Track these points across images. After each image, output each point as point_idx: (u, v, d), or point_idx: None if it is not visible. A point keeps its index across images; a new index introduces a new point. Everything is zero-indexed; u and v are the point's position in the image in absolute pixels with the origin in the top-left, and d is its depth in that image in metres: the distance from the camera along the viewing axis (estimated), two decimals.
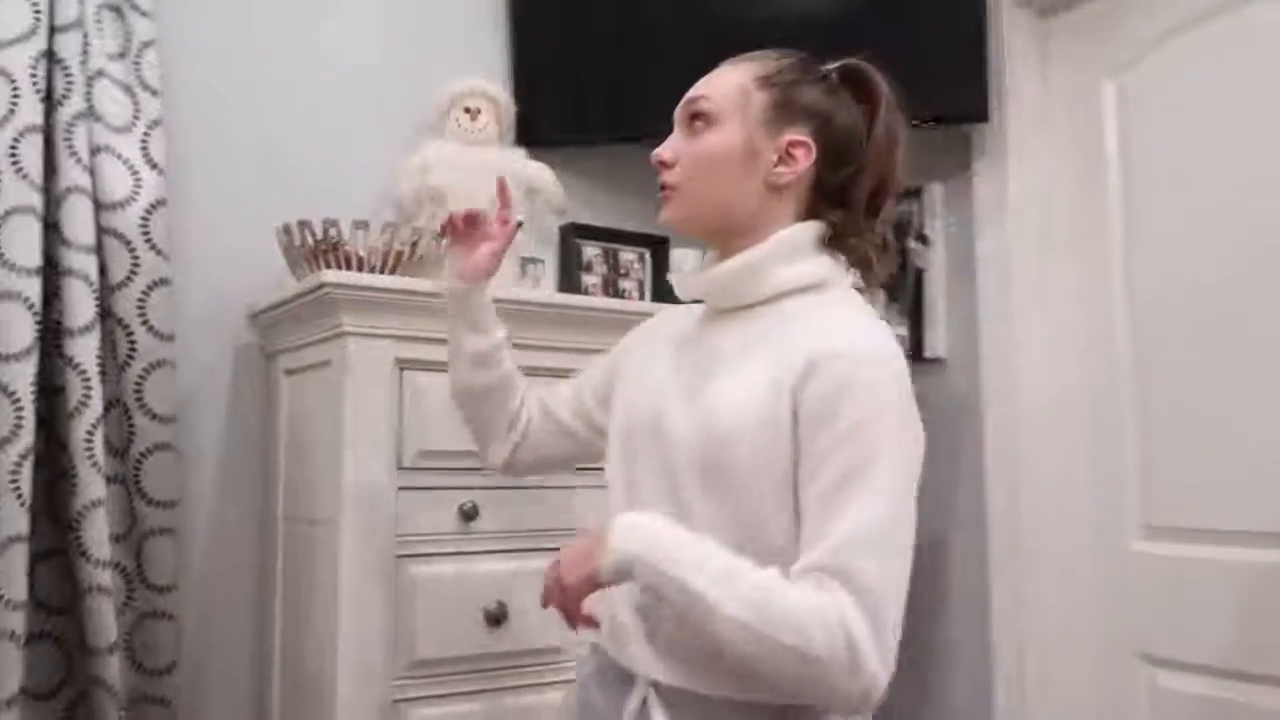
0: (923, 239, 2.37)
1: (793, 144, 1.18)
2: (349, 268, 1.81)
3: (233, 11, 2.07)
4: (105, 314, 1.79)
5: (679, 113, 1.24)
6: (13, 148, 1.68)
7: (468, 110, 2.12)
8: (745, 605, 1.00)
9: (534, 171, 2.13)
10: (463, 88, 2.12)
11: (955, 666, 2.28)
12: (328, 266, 1.79)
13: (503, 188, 1.45)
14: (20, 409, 1.65)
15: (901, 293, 2.39)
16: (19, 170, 1.68)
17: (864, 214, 1.21)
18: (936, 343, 2.34)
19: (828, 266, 1.19)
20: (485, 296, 1.42)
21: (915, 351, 2.32)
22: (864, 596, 1.00)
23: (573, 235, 2.27)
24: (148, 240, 1.82)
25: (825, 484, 1.05)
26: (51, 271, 1.73)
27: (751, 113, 1.19)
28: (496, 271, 1.43)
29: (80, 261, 1.73)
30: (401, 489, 1.72)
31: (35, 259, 1.69)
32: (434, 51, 2.26)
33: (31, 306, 1.67)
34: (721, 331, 1.20)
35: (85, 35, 1.77)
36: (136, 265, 1.80)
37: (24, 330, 1.66)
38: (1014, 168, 2.23)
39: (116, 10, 1.83)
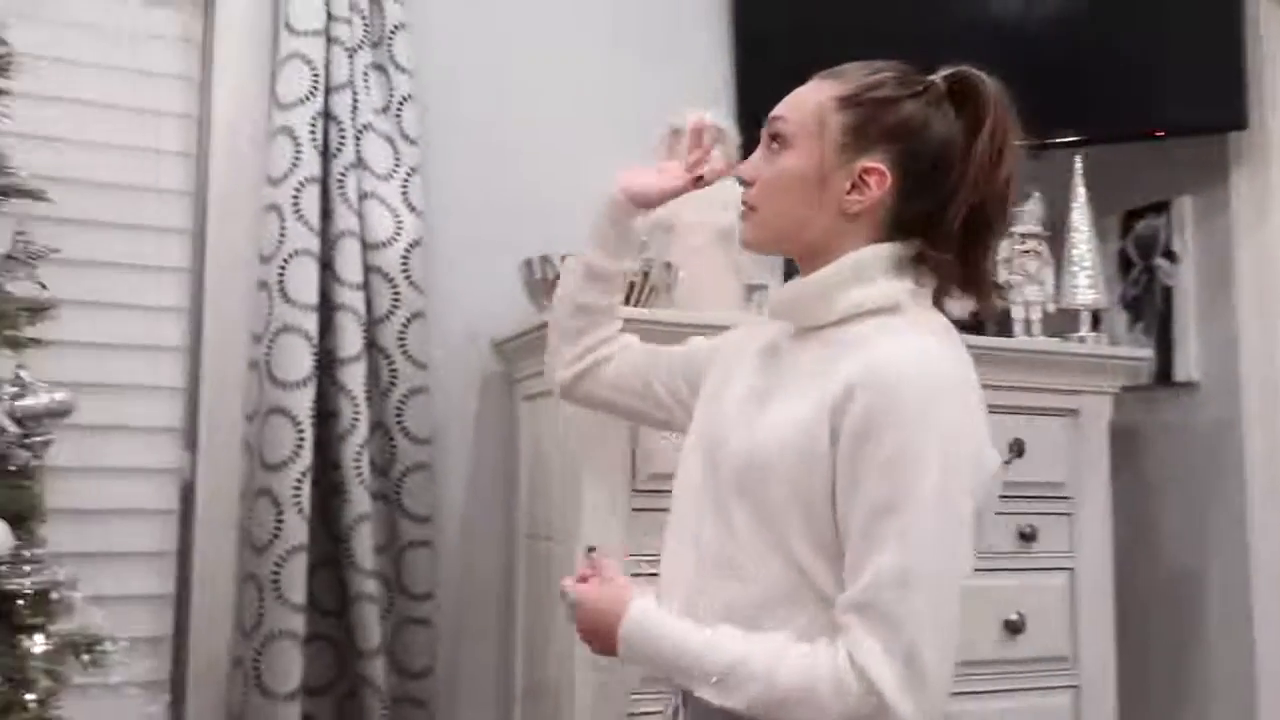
0: (1170, 255, 2.24)
1: (866, 171, 1.13)
2: None
3: (488, 69, 2.23)
4: (370, 345, 1.97)
5: (763, 131, 1.21)
6: (295, 197, 1.88)
7: None
8: (753, 700, 1.01)
9: None
10: (689, 119, 2.18)
11: (1214, 701, 2.14)
12: (548, 300, 1.90)
13: (697, 133, 1.46)
14: (301, 432, 1.84)
15: (1147, 313, 2.26)
16: (300, 216, 1.88)
17: (960, 238, 1.12)
18: (1187, 365, 2.20)
19: (902, 290, 1.13)
20: (635, 223, 1.42)
21: (1163, 374, 2.19)
22: (896, 637, 0.97)
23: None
24: (407, 277, 1.99)
25: (863, 516, 1.01)
26: (326, 307, 1.92)
27: (828, 136, 1.15)
28: (657, 206, 1.45)
29: (350, 297, 1.92)
30: (635, 510, 1.79)
31: (313, 296, 1.88)
32: (662, 83, 2.34)
33: (310, 339, 1.86)
34: (799, 350, 1.17)
35: (354, 94, 1.97)
36: (397, 300, 1.97)
37: (304, 360, 1.86)
38: (1277, 177, 2.07)
39: (381, 69, 2.02)
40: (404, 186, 2.01)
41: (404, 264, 1.99)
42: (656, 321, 1.82)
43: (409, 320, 1.99)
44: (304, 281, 1.87)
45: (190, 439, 2.00)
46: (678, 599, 1.16)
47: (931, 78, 1.18)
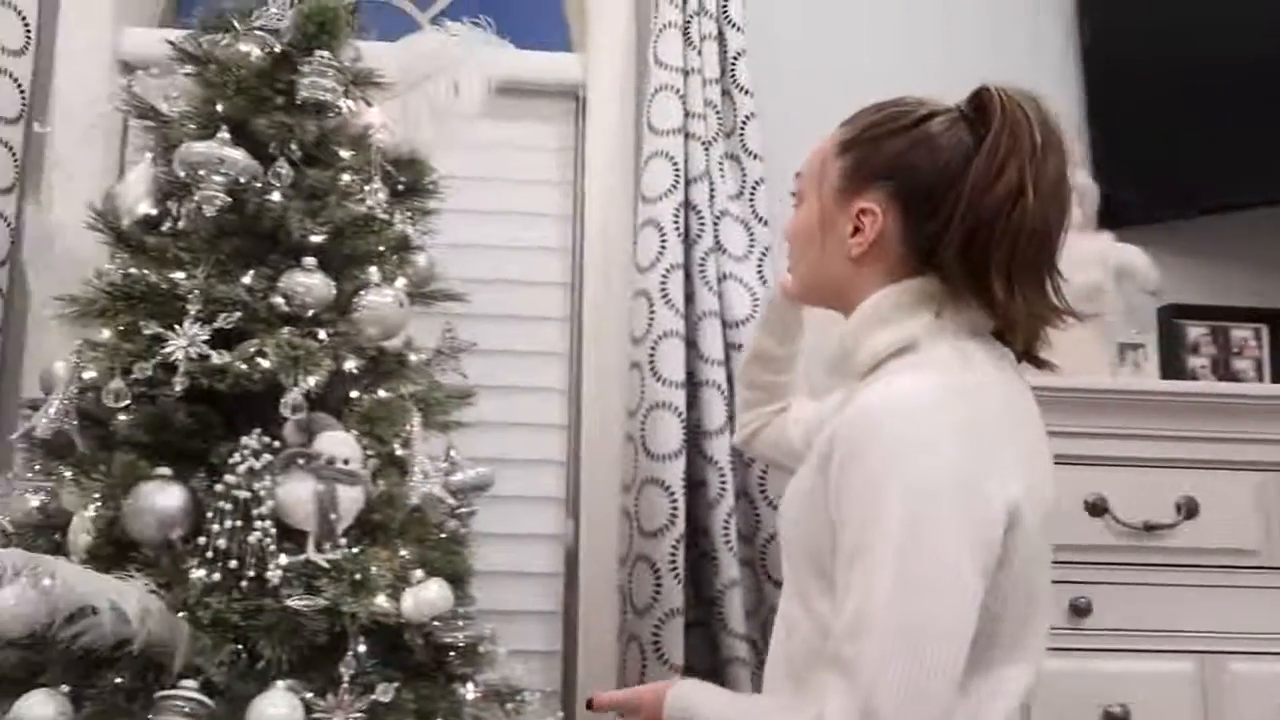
0: None
1: (861, 212, 1.11)
2: None
3: None
4: (733, 418, 2.06)
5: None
6: (662, 283, 2.03)
7: None
8: None
9: (1124, 254, 2.06)
10: None
11: None
12: None
13: None
14: (675, 501, 1.96)
15: None
16: (667, 301, 2.02)
17: (965, 261, 1.04)
18: None
19: (917, 326, 1.07)
20: (799, 313, 1.51)
21: None
22: (852, 686, 0.94)
23: (1173, 316, 2.15)
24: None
25: (841, 562, 0.99)
26: (692, 383, 2.04)
27: (827, 184, 1.15)
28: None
29: (714, 373, 2.03)
30: None
31: (680, 374, 2.01)
32: None
33: (680, 414, 1.99)
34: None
35: (711, 183, 2.10)
36: None
37: (675, 434, 1.98)
38: None
39: (734, 158, 2.15)
40: (759, 266, 2.11)
41: None
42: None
43: None
44: (673, 360, 2.00)
45: (573, 508, 2.19)
46: (768, 663, 1.21)
47: (941, 105, 1.14)
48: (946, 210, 1.06)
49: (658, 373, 2.01)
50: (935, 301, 1.09)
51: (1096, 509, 1.72)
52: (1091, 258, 2.05)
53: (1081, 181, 2.15)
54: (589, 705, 1.28)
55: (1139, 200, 2.21)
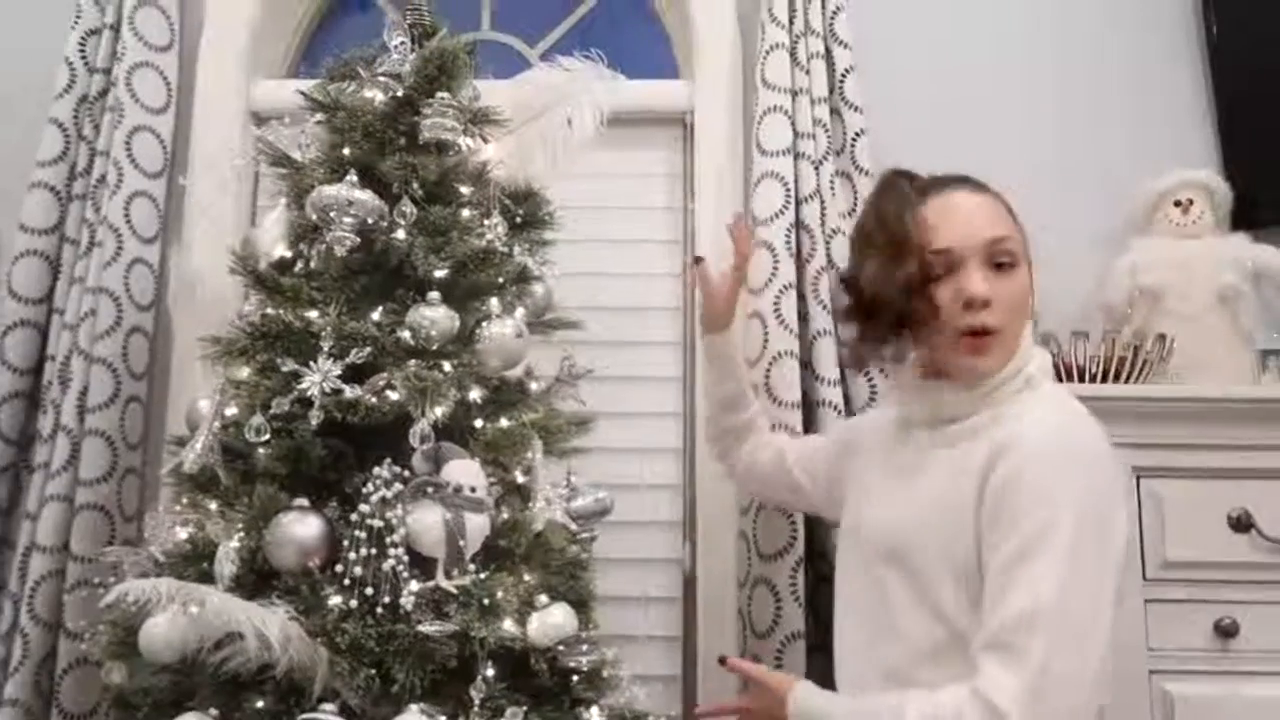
0: None
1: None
2: (1069, 378, 1.84)
3: (945, 156, 2.26)
4: None
5: (980, 249, 1.24)
6: (775, 304, 2.02)
7: (1178, 204, 2.05)
8: None
9: (1261, 255, 1.98)
10: (1171, 181, 2.06)
11: None
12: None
13: (736, 233, 1.76)
14: (794, 523, 1.95)
15: None
16: (781, 321, 2.02)
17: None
18: None
19: (1033, 369, 1.27)
20: (727, 344, 1.72)
21: None
22: (1022, 671, 1.05)
23: None
24: (881, 370, 2.04)
25: (999, 566, 1.10)
26: (807, 404, 2.03)
27: (1022, 250, 1.27)
28: (730, 317, 1.75)
29: (830, 394, 2.01)
30: (1148, 601, 1.67)
31: (796, 394, 1.99)
32: (1135, 147, 2.23)
33: (796, 435, 1.97)
34: (925, 437, 1.30)
35: (822, 202, 2.09)
36: (874, 393, 2.03)
37: None
38: None
39: (845, 175, 2.14)
40: None
41: None
42: (1153, 398, 1.72)
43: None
44: (788, 381, 1.99)
45: (689, 531, 2.19)
46: (847, 669, 1.31)
47: None
48: None
49: (773, 394, 2.00)
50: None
51: (1241, 524, 1.64)
52: (1226, 260, 1.98)
53: (1212, 182, 2.07)
54: (721, 661, 1.49)
55: (1274, 200, 2.12)
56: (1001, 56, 2.32)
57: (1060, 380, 1.83)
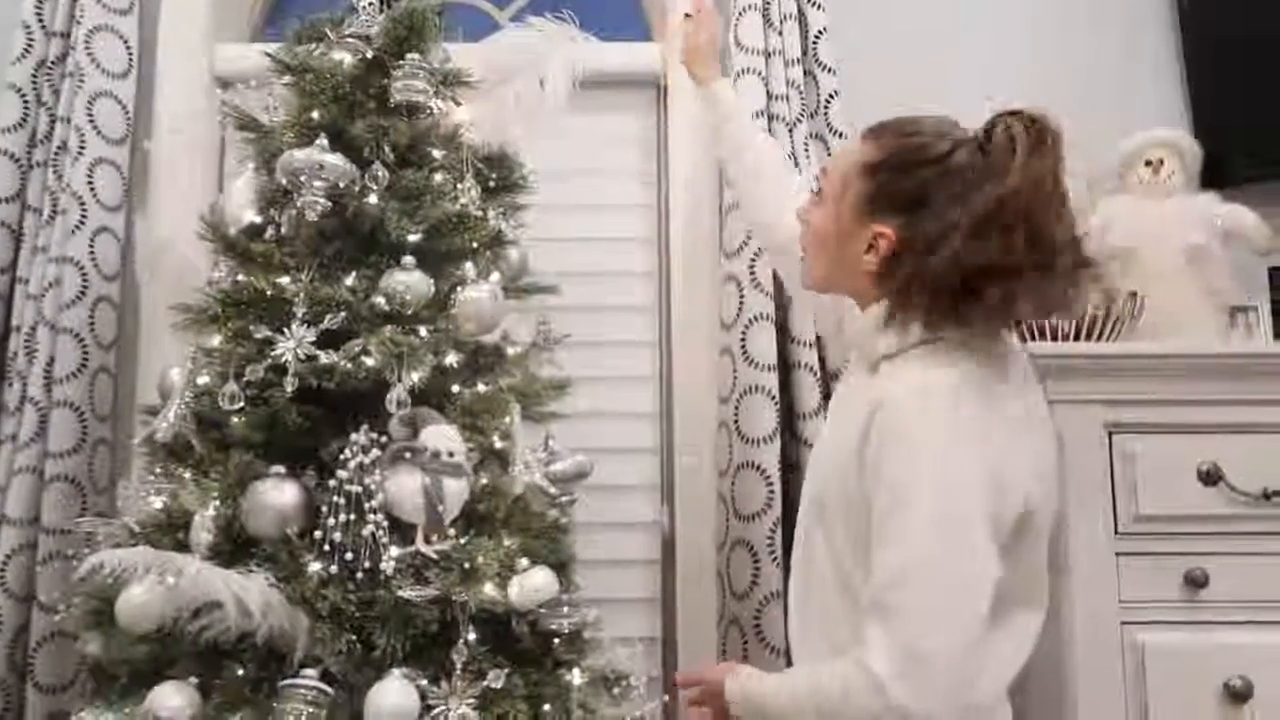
0: None
1: (877, 235, 1.20)
2: (1043, 337, 1.86)
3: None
4: (826, 398, 2.05)
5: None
6: (750, 267, 2.02)
7: (1149, 163, 2.06)
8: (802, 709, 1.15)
9: (1231, 214, 1.99)
10: (1141, 141, 2.07)
11: None
12: (1021, 339, 1.86)
13: None
14: (771, 485, 1.96)
15: None
16: (756, 285, 2.02)
17: (966, 293, 1.13)
18: None
19: (913, 333, 1.18)
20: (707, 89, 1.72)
21: None
22: (894, 629, 1.06)
23: None
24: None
25: (875, 523, 1.11)
26: (784, 366, 2.03)
27: (847, 200, 1.23)
28: (699, 59, 1.75)
29: (806, 355, 2.02)
30: (1120, 554, 1.70)
31: (772, 357, 2.00)
32: (1105, 108, 2.24)
33: (773, 397, 1.98)
34: (858, 381, 1.27)
35: (796, 164, 2.08)
36: None
37: (769, 418, 1.98)
38: None
39: (819, 138, 2.14)
40: None
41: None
42: (1125, 355, 1.74)
43: None
44: (764, 344, 1.99)
45: (668, 495, 2.20)
46: (792, 624, 1.31)
47: (963, 135, 1.20)
48: (952, 243, 1.14)
49: (750, 357, 2.00)
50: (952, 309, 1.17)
51: (1210, 478, 1.66)
52: (1196, 219, 1.99)
53: (1182, 141, 2.08)
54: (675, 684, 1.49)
55: (1244, 159, 2.13)
56: (971, 18, 2.32)
57: (1031, 339, 1.84)
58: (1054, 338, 1.85)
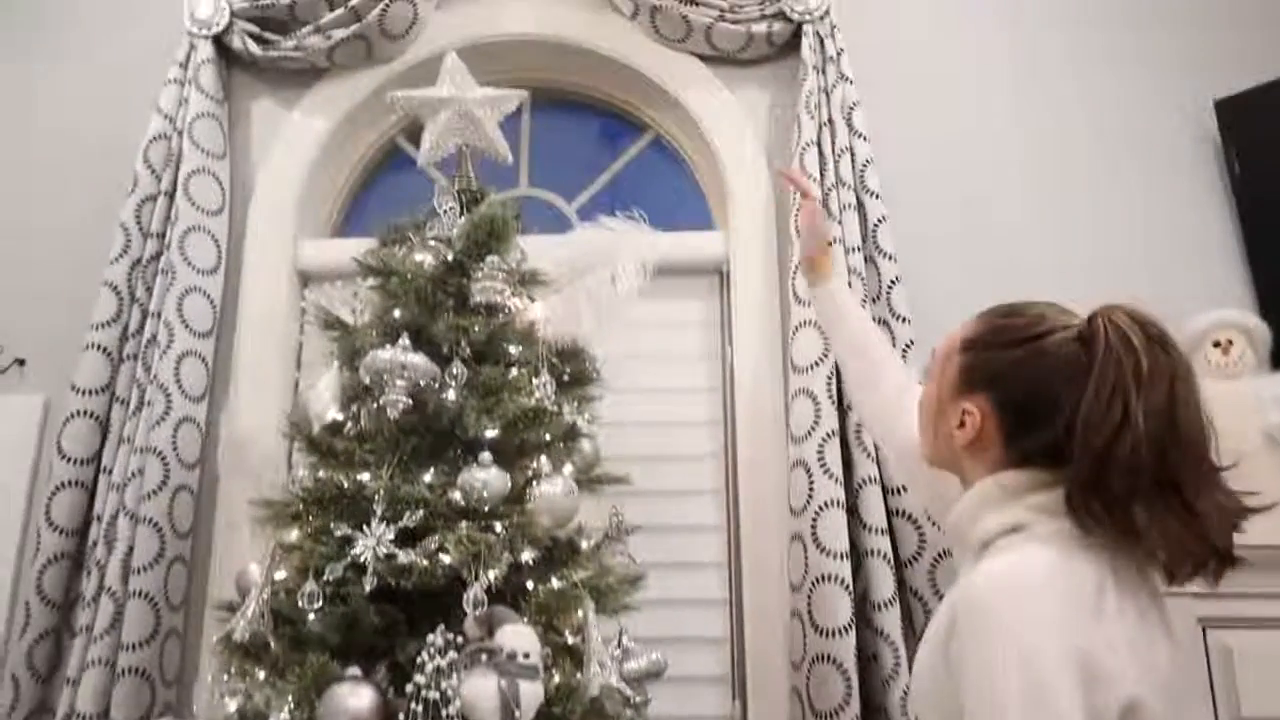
0: None
1: (966, 411, 1.19)
2: None
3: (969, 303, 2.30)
4: (901, 585, 2.01)
5: None
6: (819, 452, 2.02)
7: (1217, 344, 2.06)
8: None
9: None
10: (1208, 322, 2.08)
11: None
12: None
13: (787, 178, 1.85)
14: (848, 680, 1.89)
15: None
16: (825, 470, 2.01)
17: (1097, 486, 1.06)
18: None
19: (1023, 513, 1.12)
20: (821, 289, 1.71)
21: None
22: None
23: None
24: (929, 518, 2.02)
25: None
26: (855, 553, 2.00)
27: (946, 376, 1.23)
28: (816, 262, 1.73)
29: (878, 542, 1.98)
30: None
31: (844, 544, 1.97)
32: (1168, 289, 2.25)
33: (846, 586, 1.94)
34: (962, 572, 1.19)
35: None
36: (923, 541, 2.00)
37: (843, 608, 1.92)
38: None
39: (883, 322, 2.15)
40: None
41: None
42: None
43: (937, 560, 2.00)
44: (836, 531, 1.97)
45: (739, 688, 2.13)
46: None
47: (1062, 320, 1.17)
48: (1050, 430, 1.12)
49: (821, 544, 1.97)
50: (1045, 490, 1.12)
51: None
52: (1271, 399, 1.97)
53: (1250, 321, 2.08)
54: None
55: None
56: (1033, 208, 2.37)
57: None
58: None
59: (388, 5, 2.40)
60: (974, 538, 1.17)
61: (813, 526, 1.99)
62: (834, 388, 2.06)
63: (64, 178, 2.45)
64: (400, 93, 1.92)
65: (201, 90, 2.34)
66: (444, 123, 1.85)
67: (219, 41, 2.41)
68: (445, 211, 1.76)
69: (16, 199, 2.45)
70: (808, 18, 2.38)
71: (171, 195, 2.27)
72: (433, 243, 1.69)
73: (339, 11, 2.42)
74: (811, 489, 2.01)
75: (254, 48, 2.42)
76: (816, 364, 2.07)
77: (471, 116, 1.86)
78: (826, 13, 2.39)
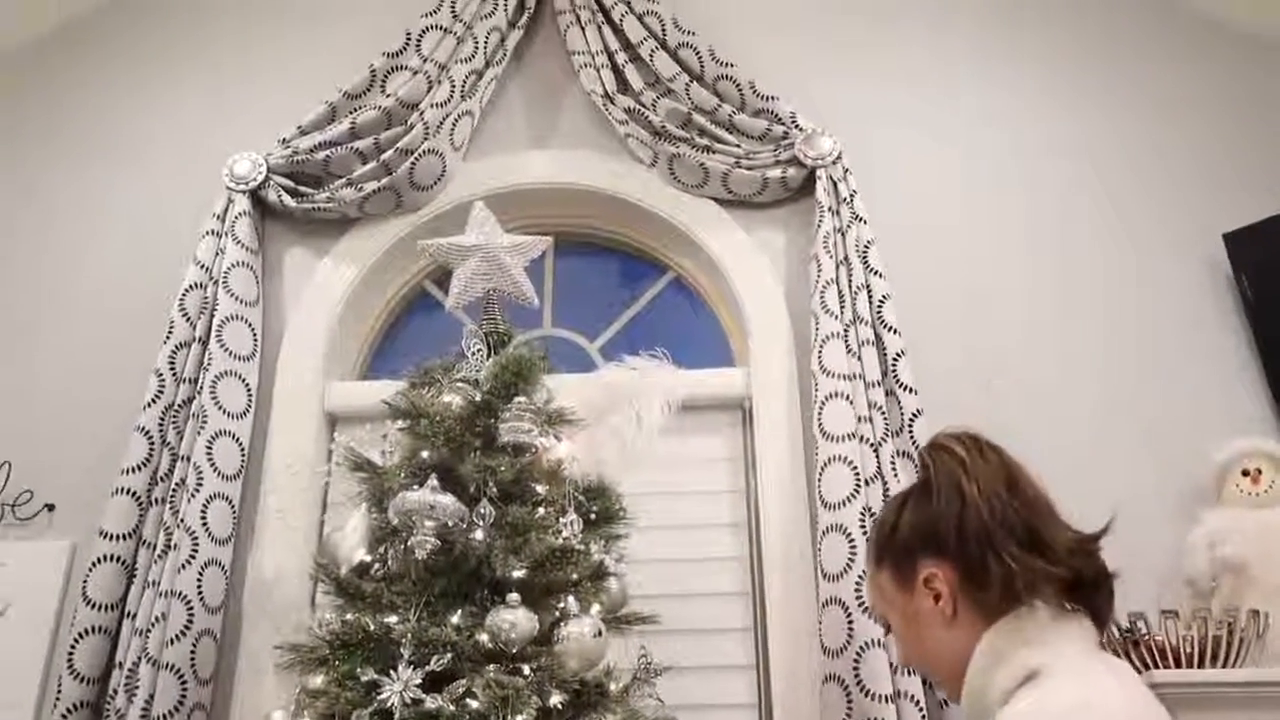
0: None
1: (926, 581, 1.18)
2: (1162, 663, 1.77)
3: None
4: None
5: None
6: (857, 591, 1.98)
7: (1245, 473, 2.05)
8: None
9: None
10: (1236, 451, 2.07)
11: None
12: (1139, 663, 1.77)
13: None
14: None
15: None
16: (865, 609, 1.97)
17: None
18: None
19: (1033, 654, 1.09)
20: None
21: None
22: None
23: None
24: None
25: None
26: (897, 698, 1.93)
27: (889, 595, 1.24)
28: None
29: (909, 686, 1.93)
30: None
31: (888, 687, 1.89)
32: (1195, 419, 2.25)
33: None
34: None
35: (885, 485, 2.10)
36: None
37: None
38: None
39: (906, 455, 2.16)
40: None
41: None
42: (1258, 683, 1.63)
43: None
44: (879, 672, 1.91)
45: None
46: None
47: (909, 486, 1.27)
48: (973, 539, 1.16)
49: (864, 686, 1.92)
50: (1042, 628, 1.12)
51: None
52: None
53: (1278, 449, 2.07)
54: None
55: None
56: (1041, 342, 2.41)
57: (1152, 665, 1.76)
58: (1177, 662, 1.76)
59: (417, 159, 2.51)
60: (995, 700, 1.11)
61: (855, 668, 1.94)
62: (867, 525, 2.05)
63: (100, 329, 2.52)
64: (430, 241, 1.99)
65: (237, 241, 2.42)
66: (472, 269, 1.92)
67: (255, 195, 2.52)
68: (473, 353, 1.80)
69: (56, 351, 2.52)
70: (821, 162, 2.47)
71: (205, 342, 2.32)
72: (461, 384, 1.72)
73: (370, 165, 2.53)
74: (851, 629, 1.97)
75: (288, 200, 2.52)
76: (848, 500, 2.06)
77: (499, 262, 1.93)
78: (839, 157, 2.48)
